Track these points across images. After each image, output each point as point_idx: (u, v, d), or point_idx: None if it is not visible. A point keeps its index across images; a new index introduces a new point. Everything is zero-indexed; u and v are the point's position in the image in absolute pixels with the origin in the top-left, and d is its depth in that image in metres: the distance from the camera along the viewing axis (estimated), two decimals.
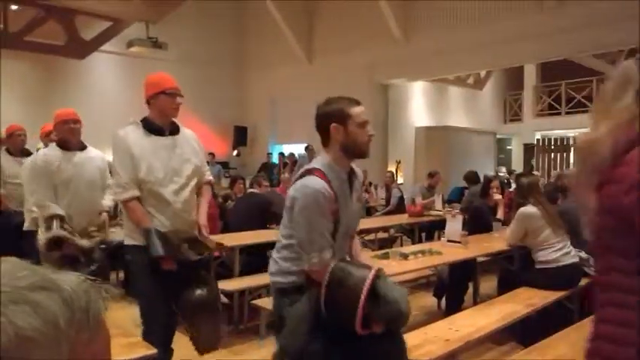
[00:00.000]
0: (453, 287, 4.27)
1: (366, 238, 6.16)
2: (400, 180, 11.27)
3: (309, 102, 12.93)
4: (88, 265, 2.99)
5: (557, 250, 3.59)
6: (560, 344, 2.62)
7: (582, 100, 13.36)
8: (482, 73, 13.74)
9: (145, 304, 2.52)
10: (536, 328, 3.09)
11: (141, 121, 2.52)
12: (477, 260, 4.17)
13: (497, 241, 4.28)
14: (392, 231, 6.58)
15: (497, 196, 5.04)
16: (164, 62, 10.18)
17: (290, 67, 11.67)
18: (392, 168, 10.78)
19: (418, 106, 12.65)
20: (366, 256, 3.50)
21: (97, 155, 3.36)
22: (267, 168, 10.72)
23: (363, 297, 1.68)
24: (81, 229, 3.11)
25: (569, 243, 3.65)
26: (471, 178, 6.58)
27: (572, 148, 14.21)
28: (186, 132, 2.65)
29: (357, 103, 1.96)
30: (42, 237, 3.03)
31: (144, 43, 8.50)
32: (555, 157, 14.14)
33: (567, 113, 13.85)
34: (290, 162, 10.91)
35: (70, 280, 0.52)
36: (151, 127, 2.50)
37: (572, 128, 13.75)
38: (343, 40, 10.64)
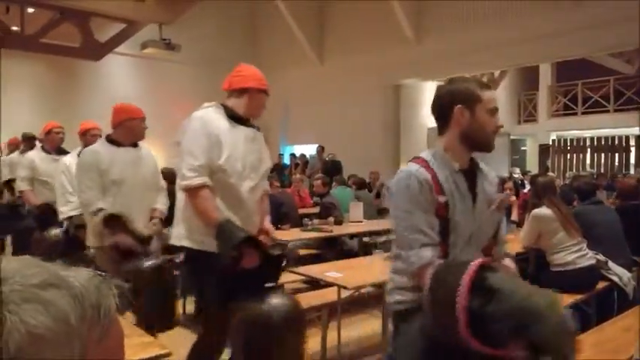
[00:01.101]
0: None
1: (378, 239, 6.13)
2: None
3: (320, 103, 13.05)
4: (145, 257, 2.69)
5: (573, 253, 3.53)
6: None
7: (599, 99, 13.16)
8: (496, 73, 13.61)
9: (213, 316, 2.20)
10: None
11: (222, 105, 2.29)
12: None
13: (512, 242, 4.22)
14: None
15: (512, 198, 4.98)
16: (177, 64, 10.29)
17: (302, 68, 11.68)
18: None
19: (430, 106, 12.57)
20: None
21: (148, 153, 3.15)
22: (278, 169, 10.74)
23: (462, 287, 1.27)
24: None
25: (585, 245, 3.59)
26: None
27: (588, 149, 14.04)
28: (259, 132, 2.43)
29: (488, 87, 1.71)
30: (91, 238, 2.86)
31: (157, 45, 8.57)
32: (571, 158, 13.97)
33: (583, 113, 13.65)
34: (301, 163, 10.92)
35: (80, 276, 0.52)
36: (233, 114, 2.26)
37: (589, 129, 13.56)
38: (355, 42, 10.62)
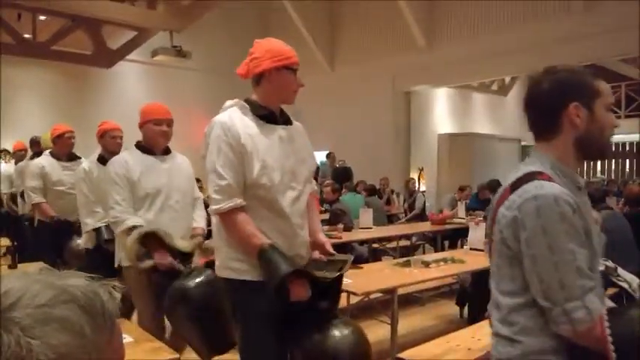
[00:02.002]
0: (476, 295, 4.18)
1: (388, 246, 6.10)
2: (423, 188, 11.17)
3: (331, 110, 13.04)
4: (190, 275, 2.37)
5: None
6: None
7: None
8: (507, 79, 13.55)
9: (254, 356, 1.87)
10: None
11: (245, 101, 1.89)
12: None
13: None
14: (414, 239, 6.50)
15: None
16: (188, 71, 10.37)
17: (312, 75, 11.69)
18: (414, 175, 10.69)
19: (441, 112, 12.53)
20: None
21: (184, 161, 2.83)
22: None
23: None
24: None
25: None
26: (495, 186, 6.47)
27: None
28: (296, 123, 2.01)
29: (598, 75, 1.34)
30: (121, 256, 2.58)
31: (168, 52, 8.65)
32: (582, 164, 13.84)
33: None
34: None
35: (78, 284, 0.53)
36: (261, 110, 1.86)
37: None
38: (365, 48, 10.63)
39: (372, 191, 7.44)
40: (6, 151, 9.17)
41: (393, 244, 6.08)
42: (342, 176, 8.09)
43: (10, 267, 3.48)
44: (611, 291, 3.48)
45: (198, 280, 2.34)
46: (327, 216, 6.14)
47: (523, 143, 13.59)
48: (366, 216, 5.67)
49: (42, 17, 8.42)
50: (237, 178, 1.75)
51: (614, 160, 13.63)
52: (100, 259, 3.01)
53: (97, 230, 3.14)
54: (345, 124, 11.06)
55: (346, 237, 5.09)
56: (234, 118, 1.81)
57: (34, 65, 9.03)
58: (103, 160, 3.21)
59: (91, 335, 0.49)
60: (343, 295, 3.12)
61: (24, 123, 9.23)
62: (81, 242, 3.38)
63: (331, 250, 1.97)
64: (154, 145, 2.65)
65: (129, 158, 2.60)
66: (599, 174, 13.29)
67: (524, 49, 8.31)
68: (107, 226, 2.99)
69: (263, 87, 1.86)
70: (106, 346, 0.52)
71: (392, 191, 8.74)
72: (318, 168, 10.80)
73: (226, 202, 1.73)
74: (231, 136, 1.75)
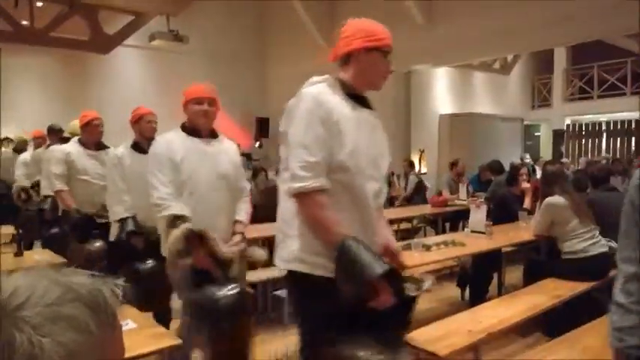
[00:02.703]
0: (477, 278, 4.21)
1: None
2: (424, 169, 11.15)
3: None
4: (225, 284, 2.24)
5: (585, 240, 3.50)
6: (588, 336, 2.56)
7: (616, 82, 12.90)
8: (509, 58, 13.40)
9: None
10: (563, 320, 3.03)
11: (338, 79, 1.74)
12: (502, 251, 4.10)
13: (524, 231, 4.20)
14: (415, 222, 6.52)
15: (525, 185, 4.93)
16: (186, 55, 10.28)
17: (311, 56, 11.60)
18: (415, 157, 10.67)
19: (442, 92, 12.44)
20: None
21: (231, 146, 2.67)
22: None
23: None
24: None
25: (597, 232, 3.55)
26: (496, 167, 6.45)
27: (604, 134, 13.81)
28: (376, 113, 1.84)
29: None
30: (166, 246, 2.28)
31: (165, 37, 8.57)
32: (586, 143, 13.77)
33: (600, 97, 13.39)
34: None
35: (82, 282, 0.54)
36: (352, 91, 1.72)
37: (605, 112, 13.32)
38: None
39: None
40: (8, 139, 9.20)
41: (394, 227, 6.10)
42: None
43: (15, 255, 3.51)
44: (615, 272, 3.50)
45: (230, 293, 2.22)
46: None
47: (525, 122, 13.52)
48: None
49: (39, 4, 8.34)
50: (326, 156, 1.57)
51: (619, 139, 13.53)
52: (123, 253, 2.92)
53: (123, 221, 2.98)
54: None
55: None
56: (325, 91, 1.66)
57: (32, 52, 8.98)
58: (137, 147, 3.11)
59: (96, 332, 0.51)
60: None
61: (24, 110, 9.23)
62: (99, 244, 3.29)
63: (405, 262, 1.79)
64: (197, 126, 2.49)
65: (173, 138, 2.44)
66: (603, 152, 13.23)
67: (527, 27, 8.20)
68: (134, 217, 2.95)
69: (351, 67, 1.73)
70: (109, 342, 0.54)
71: (392, 173, 8.72)
72: None
73: (312, 180, 1.53)
74: (324, 111, 1.59)
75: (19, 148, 6.82)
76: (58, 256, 3.66)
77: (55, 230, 4.12)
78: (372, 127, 1.75)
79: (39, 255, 3.66)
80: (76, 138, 3.80)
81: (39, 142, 5.69)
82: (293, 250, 1.64)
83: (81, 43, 8.55)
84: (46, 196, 4.27)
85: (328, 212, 1.54)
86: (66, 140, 4.16)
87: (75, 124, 4.24)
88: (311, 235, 1.59)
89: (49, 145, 4.79)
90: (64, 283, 0.52)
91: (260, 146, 11.79)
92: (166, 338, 1.90)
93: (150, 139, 2.93)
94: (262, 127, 11.98)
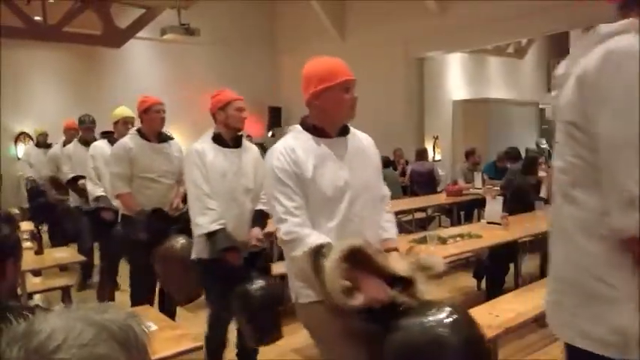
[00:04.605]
0: (494, 269, 4.20)
1: (404, 219, 6.11)
2: (438, 157, 11.07)
3: None
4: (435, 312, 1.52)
5: None
6: None
7: None
8: (524, 42, 13.16)
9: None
10: None
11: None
12: (518, 242, 4.07)
13: (541, 221, 4.15)
14: (430, 211, 6.50)
15: (542, 174, 4.88)
16: (198, 46, 10.28)
17: (322, 45, 11.51)
18: (429, 144, 10.59)
19: (455, 78, 12.29)
20: None
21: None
22: None
23: None
24: None
25: None
26: (513, 155, 6.38)
27: None
28: None
29: None
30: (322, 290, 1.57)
31: (176, 31, 8.57)
32: None
33: None
34: None
35: (113, 318, 0.56)
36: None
37: None
38: (376, 15, 10.38)
39: (386, 163, 7.39)
40: (25, 134, 9.32)
41: (409, 217, 6.09)
42: None
43: (36, 253, 3.55)
44: None
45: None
46: None
47: (541, 107, 13.31)
48: None
49: None
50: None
51: None
52: (218, 273, 2.46)
53: (212, 235, 2.42)
54: (356, 93, 10.93)
55: None
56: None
57: (46, 48, 9.04)
58: (219, 139, 2.62)
59: None
60: None
61: (40, 106, 9.33)
62: (183, 241, 2.80)
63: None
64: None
65: (296, 145, 1.80)
66: None
67: (542, 10, 8.03)
68: (223, 229, 2.42)
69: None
70: None
71: (406, 162, 8.69)
72: None
73: None
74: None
75: (41, 141, 6.75)
76: (77, 254, 3.73)
77: (118, 232, 3.51)
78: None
79: (59, 253, 3.72)
80: (133, 129, 3.26)
81: (71, 133, 5.16)
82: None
83: (94, 38, 8.58)
84: (97, 197, 3.84)
85: None
86: (105, 134, 3.91)
87: (121, 110, 3.80)
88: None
89: (84, 139, 4.48)
90: (97, 322, 0.54)
91: (273, 135, 11.79)
92: (186, 340, 1.92)
93: (238, 130, 2.68)
94: (274, 117, 11.98)
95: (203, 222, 2.44)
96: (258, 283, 2.40)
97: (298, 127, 1.89)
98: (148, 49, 10.57)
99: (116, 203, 3.36)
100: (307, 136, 1.84)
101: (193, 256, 2.58)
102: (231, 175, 2.56)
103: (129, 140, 3.15)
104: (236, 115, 2.62)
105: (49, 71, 9.73)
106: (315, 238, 1.67)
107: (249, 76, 11.17)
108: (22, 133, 9.41)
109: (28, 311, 1.13)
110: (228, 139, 2.64)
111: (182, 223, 2.87)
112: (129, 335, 0.55)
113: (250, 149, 2.76)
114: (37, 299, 3.88)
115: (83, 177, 4.21)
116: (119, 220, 3.31)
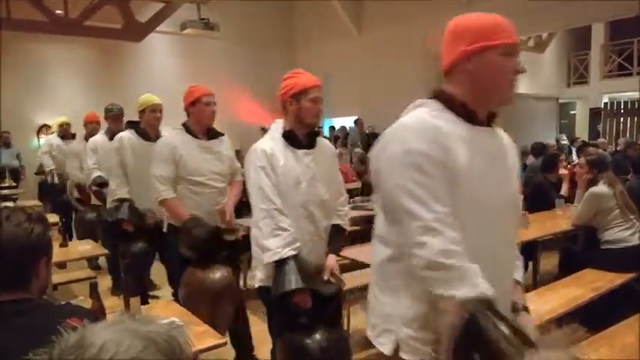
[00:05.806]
0: None
1: None
2: None
3: (359, 75, 12.79)
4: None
5: (625, 230, 3.42)
6: (628, 332, 2.51)
7: None
8: (544, 35, 12.94)
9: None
10: (601, 313, 2.98)
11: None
12: (538, 240, 4.03)
13: (561, 219, 4.11)
14: None
15: (563, 171, 4.82)
16: (217, 41, 10.32)
17: (340, 40, 11.46)
18: None
19: None
20: None
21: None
22: None
23: None
24: None
25: (637, 222, 3.46)
26: (538, 150, 6.29)
27: None
28: None
29: None
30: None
31: (196, 25, 8.61)
32: (625, 122, 13.25)
33: (639, 73, 12.83)
34: (342, 136, 10.86)
35: (158, 330, 0.59)
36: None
37: None
38: (393, 10, 10.30)
39: None
40: (47, 126, 9.48)
41: None
42: (372, 143, 8.03)
43: (60, 246, 3.63)
44: None
45: None
46: (360, 184, 6.14)
47: (561, 101, 13.09)
48: None
49: None
50: None
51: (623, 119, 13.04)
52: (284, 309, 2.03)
53: (281, 264, 1.97)
54: (373, 88, 10.89)
55: None
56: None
57: (67, 41, 9.17)
58: (291, 136, 2.12)
59: None
60: None
61: (61, 99, 9.48)
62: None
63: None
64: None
65: (442, 125, 1.29)
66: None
67: (563, 4, 7.89)
68: (296, 256, 1.98)
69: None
70: None
71: None
72: (347, 135, 10.74)
73: None
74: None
75: (64, 132, 6.01)
76: (100, 247, 3.80)
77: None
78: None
79: (82, 246, 3.80)
80: (178, 126, 2.83)
81: (92, 127, 4.83)
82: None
83: (114, 32, 8.67)
84: (121, 200, 3.36)
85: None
86: (131, 124, 3.49)
87: (147, 97, 3.45)
88: None
89: (111, 132, 4.08)
90: (144, 335, 0.57)
91: None
92: (210, 337, 1.95)
93: (313, 125, 2.16)
94: None
95: (275, 245, 1.97)
96: (320, 341, 1.97)
97: (430, 101, 1.33)
98: (167, 44, 10.65)
99: (159, 210, 2.97)
100: (451, 117, 1.28)
101: (258, 284, 2.13)
102: (305, 185, 2.07)
103: (174, 137, 2.73)
104: (312, 107, 2.09)
105: (70, 65, 9.87)
106: (483, 283, 1.10)
107: (267, 72, 11.18)
108: (44, 125, 9.58)
109: (61, 308, 1.17)
110: (302, 136, 2.13)
111: (233, 249, 2.58)
112: (174, 347, 0.58)
113: (325, 149, 2.24)
114: (60, 291, 3.97)
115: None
116: (164, 229, 2.90)
